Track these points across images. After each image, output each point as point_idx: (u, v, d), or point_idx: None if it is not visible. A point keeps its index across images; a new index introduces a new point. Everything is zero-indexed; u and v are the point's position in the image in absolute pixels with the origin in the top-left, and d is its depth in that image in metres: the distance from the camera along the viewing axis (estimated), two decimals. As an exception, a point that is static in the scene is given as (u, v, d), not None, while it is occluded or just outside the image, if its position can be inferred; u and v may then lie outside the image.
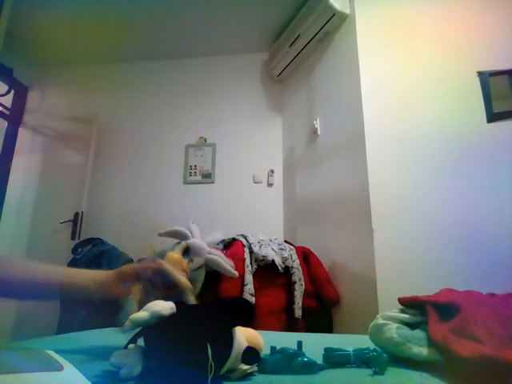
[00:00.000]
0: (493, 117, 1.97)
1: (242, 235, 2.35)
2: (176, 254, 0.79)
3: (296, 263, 2.26)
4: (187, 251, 0.83)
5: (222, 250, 2.59)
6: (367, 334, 0.81)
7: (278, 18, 3.08)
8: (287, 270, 2.22)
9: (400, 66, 2.24)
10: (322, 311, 2.30)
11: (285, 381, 0.54)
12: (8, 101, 3.54)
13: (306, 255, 2.39)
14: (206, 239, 0.88)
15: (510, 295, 0.92)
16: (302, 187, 2.95)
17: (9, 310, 3.00)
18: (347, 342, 0.96)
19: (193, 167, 3.38)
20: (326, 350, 0.66)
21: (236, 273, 0.87)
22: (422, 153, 2.07)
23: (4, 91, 3.33)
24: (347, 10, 2.50)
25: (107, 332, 0.89)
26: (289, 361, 0.59)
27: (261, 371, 0.58)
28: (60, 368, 0.40)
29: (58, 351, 0.46)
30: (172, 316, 0.52)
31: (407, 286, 1.79)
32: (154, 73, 3.70)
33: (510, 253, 1.75)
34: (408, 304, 0.86)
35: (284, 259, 2.23)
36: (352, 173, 2.28)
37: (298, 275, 2.23)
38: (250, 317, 0.56)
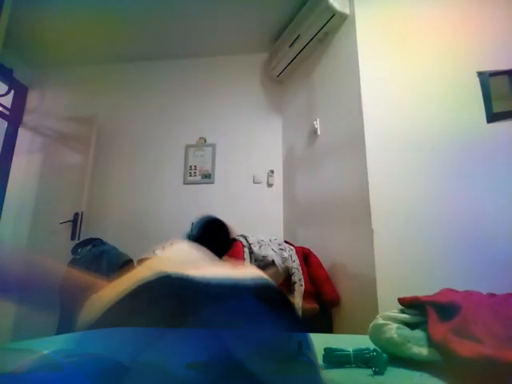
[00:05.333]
0: (493, 117, 1.97)
1: (242, 235, 2.36)
2: None
3: (296, 263, 2.26)
4: None
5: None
6: (367, 334, 0.81)
7: (278, 18, 3.08)
8: (287, 271, 2.23)
9: (400, 66, 2.24)
10: (321, 311, 2.30)
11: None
12: (8, 101, 3.54)
13: (305, 255, 2.39)
14: None
15: (509, 295, 0.92)
16: (302, 187, 2.95)
17: (9, 310, 2.99)
18: (347, 341, 0.96)
19: (193, 167, 3.38)
20: (326, 350, 0.67)
21: None
22: (421, 153, 2.07)
23: (4, 91, 3.33)
24: (347, 11, 2.50)
25: (107, 332, 0.89)
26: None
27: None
28: (60, 368, 0.40)
29: (57, 351, 0.46)
30: None
31: (407, 286, 1.79)
32: (154, 73, 3.69)
33: (509, 253, 1.75)
34: (408, 304, 0.87)
35: (284, 259, 2.23)
36: (352, 173, 2.28)
37: (298, 275, 2.23)
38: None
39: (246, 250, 2.23)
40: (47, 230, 3.24)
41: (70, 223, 3.16)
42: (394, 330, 0.74)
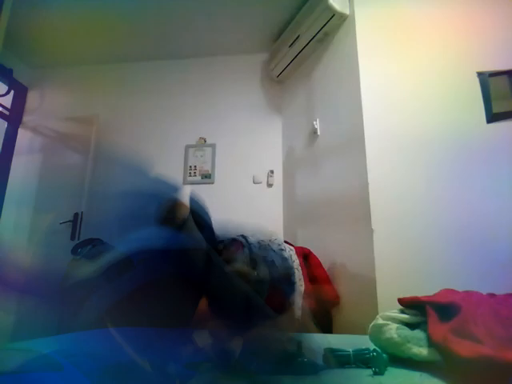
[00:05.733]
0: (492, 117, 1.97)
1: (242, 236, 2.35)
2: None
3: (296, 263, 2.26)
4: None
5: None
6: (367, 334, 0.81)
7: (278, 18, 3.08)
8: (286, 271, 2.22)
9: (399, 66, 2.24)
10: (321, 311, 2.30)
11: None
12: (8, 101, 3.54)
13: (305, 255, 2.39)
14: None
15: (509, 295, 0.92)
16: (302, 188, 2.95)
17: (9, 310, 2.99)
18: (347, 341, 0.96)
19: (192, 167, 3.38)
20: (326, 350, 0.67)
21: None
22: (421, 153, 2.07)
23: (4, 91, 3.33)
24: (347, 11, 2.50)
25: (107, 332, 0.89)
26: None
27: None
28: (60, 368, 0.40)
29: (58, 351, 0.46)
30: None
31: (407, 287, 1.79)
32: (154, 73, 3.70)
33: (509, 253, 1.75)
34: (408, 304, 0.87)
35: (284, 260, 2.23)
36: (352, 173, 2.28)
37: (298, 275, 2.23)
38: None
39: (246, 250, 2.23)
40: (47, 230, 3.24)
41: (70, 223, 3.17)
42: (393, 330, 0.74)
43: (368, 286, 1.96)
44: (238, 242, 2.30)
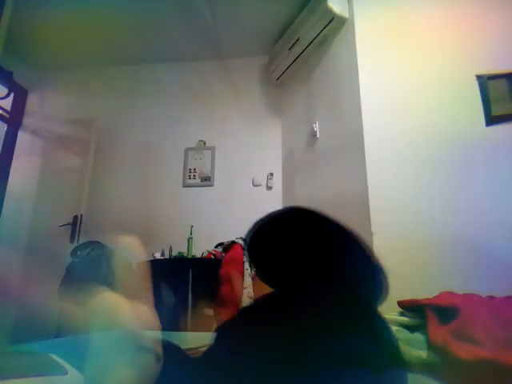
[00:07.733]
0: (491, 120, 1.98)
1: (242, 238, 2.36)
2: None
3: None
4: None
5: (221, 253, 2.58)
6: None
7: (278, 21, 3.09)
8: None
9: (399, 69, 2.25)
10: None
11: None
12: (8, 103, 3.54)
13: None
14: None
15: (508, 298, 0.93)
16: (302, 190, 2.95)
17: (8, 311, 2.98)
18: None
19: (192, 170, 3.38)
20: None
21: None
22: (421, 156, 2.07)
23: (4, 94, 3.33)
24: (346, 14, 2.51)
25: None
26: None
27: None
28: (65, 372, 0.40)
29: (62, 355, 0.46)
30: None
31: (407, 289, 1.79)
32: (154, 76, 3.70)
33: (509, 254, 1.76)
34: (407, 307, 0.87)
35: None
36: (351, 176, 2.28)
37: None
38: None
39: (245, 252, 2.23)
40: (46, 232, 3.24)
41: (70, 226, 3.16)
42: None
43: (368, 288, 1.96)
44: (237, 245, 2.31)
